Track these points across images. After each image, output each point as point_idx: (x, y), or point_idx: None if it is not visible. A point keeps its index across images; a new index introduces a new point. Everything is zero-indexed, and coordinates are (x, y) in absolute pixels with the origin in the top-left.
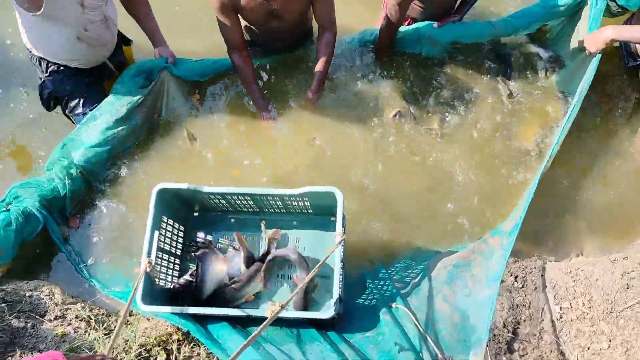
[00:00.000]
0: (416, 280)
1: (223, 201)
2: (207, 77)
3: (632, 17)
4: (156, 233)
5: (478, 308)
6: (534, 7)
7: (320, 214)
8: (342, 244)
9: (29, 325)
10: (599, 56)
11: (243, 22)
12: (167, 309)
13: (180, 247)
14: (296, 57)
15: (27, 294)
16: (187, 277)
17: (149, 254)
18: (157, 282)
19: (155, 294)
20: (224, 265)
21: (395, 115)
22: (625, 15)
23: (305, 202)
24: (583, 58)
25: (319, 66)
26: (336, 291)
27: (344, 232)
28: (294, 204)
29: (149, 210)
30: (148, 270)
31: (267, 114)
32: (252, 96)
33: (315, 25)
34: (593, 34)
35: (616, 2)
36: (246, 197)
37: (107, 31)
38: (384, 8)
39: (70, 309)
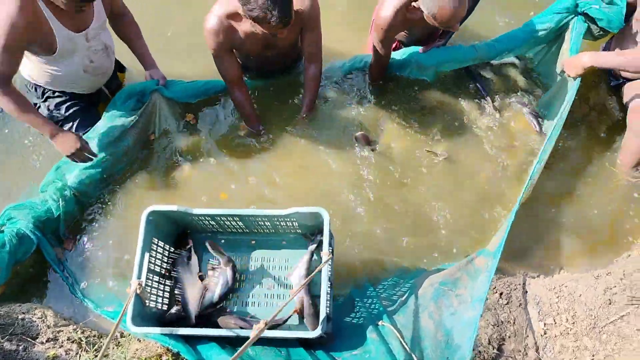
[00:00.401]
0: (403, 297)
1: (213, 222)
2: (198, 99)
3: (612, 39)
4: (147, 255)
5: (462, 328)
6: (516, 31)
7: (310, 233)
8: (330, 263)
9: (20, 348)
10: (578, 81)
11: (236, 53)
12: (157, 330)
13: (171, 269)
14: (286, 81)
15: (20, 317)
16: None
17: (139, 276)
18: (147, 304)
19: (146, 316)
20: (198, 280)
21: (369, 144)
22: (607, 37)
23: (294, 223)
24: (564, 81)
25: (304, 100)
26: (323, 310)
27: (332, 252)
28: (282, 224)
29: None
30: (138, 292)
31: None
32: (252, 128)
33: None
34: (572, 59)
35: (597, 25)
36: (236, 218)
37: (107, 59)
38: (372, 32)
39: (62, 331)
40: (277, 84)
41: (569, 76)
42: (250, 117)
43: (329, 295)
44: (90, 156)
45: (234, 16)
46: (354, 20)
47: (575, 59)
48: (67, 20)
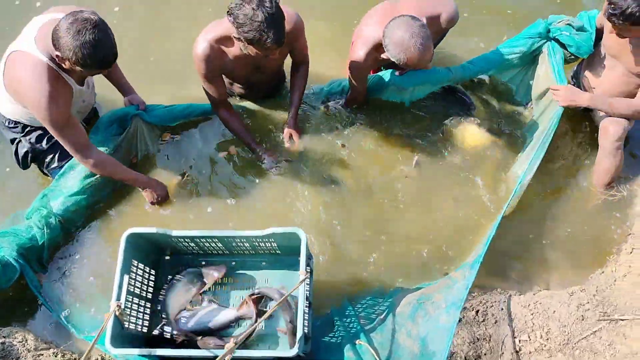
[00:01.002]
0: (381, 316)
1: (192, 244)
2: (177, 122)
3: (582, 63)
4: (126, 277)
5: (437, 333)
6: (490, 53)
7: (288, 254)
8: (308, 282)
9: None
10: (561, 110)
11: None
12: (135, 351)
13: (152, 291)
14: (272, 103)
15: (0, 341)
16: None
17: (118, 298)
18: (127, 326)
19: (125, 337)
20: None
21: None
22: (578, 60)
23: (272, 244)
24: (545, 106)
25: (294, 97)
26: (300, 329)
27: (310, 271)
28: (261, 245)
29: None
30: (117, 313)
31: (268, 154)
32: (246, 143)
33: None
34: (571, 92)
35: (568, 50)
36: (215, 240)
37: (93, 95)
38: (352, 49)
39: (43, 354)
40: (263, 106)
41: (558, 102)
42: (242, 133)
43: (306, 315)
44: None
45: (223, 40)
46: (336, 45)
47: (575, 95)
48: (76, 77)
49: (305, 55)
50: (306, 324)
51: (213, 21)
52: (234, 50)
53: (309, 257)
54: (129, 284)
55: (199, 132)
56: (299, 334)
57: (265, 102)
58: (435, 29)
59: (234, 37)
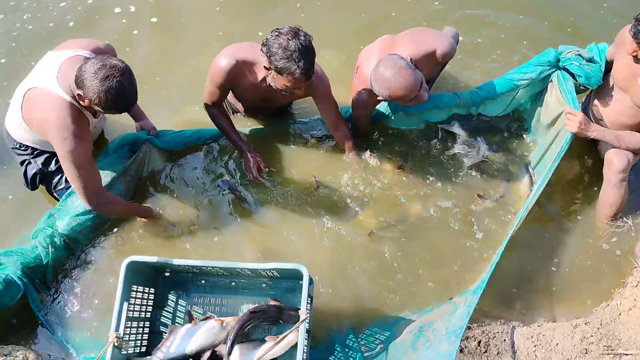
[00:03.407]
0: (382, 345)
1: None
2: (186, 147)
3: (590, 94)
4: (125, 305)
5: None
6: (499, 79)
7: (288, 277)
8: (307, 320)
9: None
10: (571, 137)
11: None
12: None
13: (151, 310)
14: (276, 128)
15: (1, 359)
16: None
17: (117, 328)
18: (126, 352)
19: None
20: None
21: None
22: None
23: (274, 272)
24: (554, 134)
25: (351, 153)
26: None
27: (310, 302)
28: (262, 272)
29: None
30: (116, 344)
31: (253, 154)
32: (232, 140)
33: None
34: (581, 118)
35: (577, 80)
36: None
37: (104, 122)
38: (355, 77)
39: None
40: (265, 130)
41: (568, 128)
42: (229, 130)
43: (305, 347)
44: None
45: (249, 65)
46: (341, 73)
47: (585, 124)
48: (92, 111)
49: (337, 116)
50: (304, 357)
51: (246, 42)
52: (253, 77)
53: (310, 282)
54: (128, 310)
55: (204, 157)
56: None
57: (269, 127)
58: (433, 64)
59: (265, 67)
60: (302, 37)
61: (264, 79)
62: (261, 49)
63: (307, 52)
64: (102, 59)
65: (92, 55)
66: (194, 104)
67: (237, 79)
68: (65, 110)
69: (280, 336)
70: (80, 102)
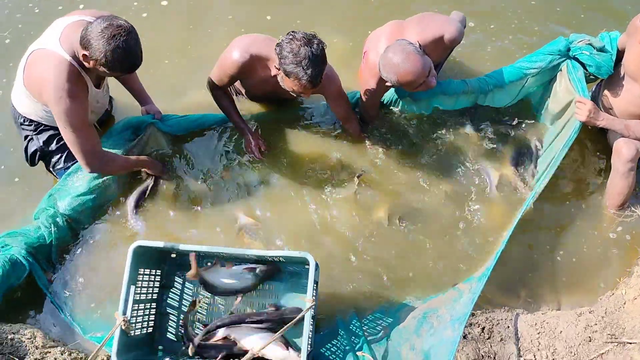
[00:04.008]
0: (386, 329)
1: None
2: (191, 130)
3: (600, 83)
4: (132, 288)
5: (441, 347)
6: (508, 67)
7: (294, 262)
8: (313, 307)
9: None
10: (579, 125)
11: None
12: None
13: (157, 291)
14: (280, 112)
15: (9, 337)
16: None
17: (124, 312)
18: (133, 334)
19: (132, 344)
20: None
21: (358, 175)
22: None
23: (280, 258)
24: (562, 122)
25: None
26: (305, 352)
27: (315, 287)
28: (267, 256)
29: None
30: (123, 327)
31: (254, 135)
32: (234, 121)
33: None
34: (590, 107)
35: (587, 70)
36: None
37: (107, 97)
38: (363, 61)
39: (50, 352)
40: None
41: (577, 116)
42: (231, 111)
43: (311, 332)
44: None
45: (262, 60)
46: (349, 58)
47: (595, 113)
48: (94, 78)
49: (347, 112)
50: (310, 342)
51: (262, 35)
52: (264, 73)
53: (315, 268)
54: (135, 292)
55: (210, 142)
56: (304, 356)
57: (272, 111)
58: (441, 49)
59: (275, 67)
60: (314, 46)
61: (275, 75)
62: (275, 48)
63: (316, 61)
64: (108, 18)
65: None
66: (201, 88)
67: (248, 72)
68: (63, 69)
69: (287, 325)
70: (85, 63)
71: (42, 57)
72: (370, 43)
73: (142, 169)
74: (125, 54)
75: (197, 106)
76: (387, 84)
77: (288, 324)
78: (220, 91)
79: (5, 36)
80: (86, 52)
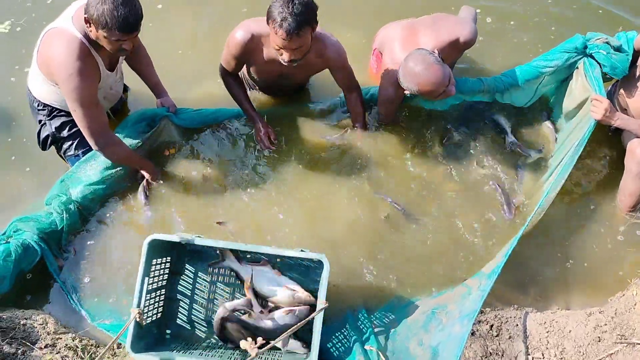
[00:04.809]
0: (394, 323)
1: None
2: (204, 125)
3: (616, 84)
4: (146, 280)
5: (449, 344)
6: (524, 66)
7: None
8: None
9: (19, 351)
10: (594, 124)
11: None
12: (156, 358)
13: (166, 278)
14: (292, 105)
15: (22, 322)
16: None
17: (138, 304)
18: (145, 323)
19: (141, 333)
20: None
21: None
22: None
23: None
24: (577, 121)
25: (358, 124)
26: (315, 350)
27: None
28: (282, 255)
29: (141, 250)
30: (138, 319)
31: (264, 124)
32: (244, 109)
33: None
34: (607, 105)
35: (602, 69)
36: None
37: (121, 85)
38: (372, 58)
39: (61, 338)
40: (283, 112)
41: (593, 114)
42: (242, 98)
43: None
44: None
45: (265, 38)
46: (361, 54)
47: (610, 112)
48: (107, 60)
49: (351, 81)
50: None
51: (261, 17)
52: (268, 52)
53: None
54: (148, 284)
55: (225, 136)
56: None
57: (288, 106)
58: (456, 52)
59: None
60: (296, 3)
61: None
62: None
63: (294, 12)
64: None
65: None
66: (215, 79)
67: (252, 52)
68: (74, 46)
69: (300, 323)
70: (91, 34)
71: (54, 35)
72: (385, 46)
73: (140, 170)
74: (115, 5)
75: (211, 96)
76: (406, 92)
77: (301, 322)
78: (231, 77)
79: (21, 24)
80: (86, 16)
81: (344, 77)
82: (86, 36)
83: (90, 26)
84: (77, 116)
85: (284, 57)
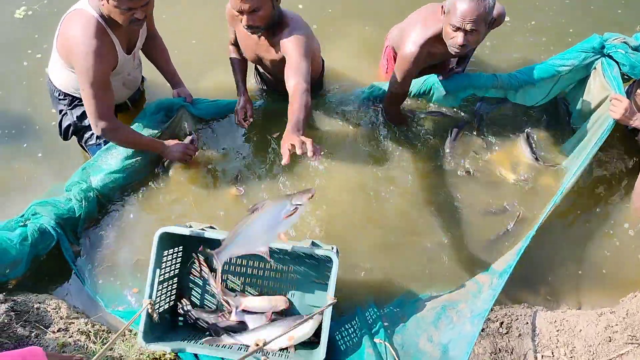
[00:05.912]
0: (404, 318)
1: None
2: (220, 115)
3: (633, 83)
4: (157, 271)
5: (459, 340)
6: (540, 64)
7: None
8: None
9: (32, 334)
10: (612, 123)
11: None
12: (167, 348)
13: (179, 266)
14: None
15: (35, 306)
16: None
17: (150, 295)
18: (157, 313)
19: (155, 323)
20: None
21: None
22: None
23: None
24: (594, 119)
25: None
26: (324, 345)
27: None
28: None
29: (153, 239)
30: (149, 311)
31: (245, 101)
32: (235, 80)
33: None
34: (627, 105)
35: (620, 69)
36: None
37: (140, 73)
38: (383, 57)
39: (74, 322)
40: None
41: (611, 114)
42: (237, 72)
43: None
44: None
45: None
46: (373, 50)
47: (630, 112)
48: (124, 42)
49: (295, 68)
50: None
51: None
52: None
53: (337, 251)
54: (160, 275)
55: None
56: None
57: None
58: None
59: None
60: None
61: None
62: None
63: None
64: None
65: None
66: (228, 68)
67: (236, 23)
68: (91, 26)
69: (308, 317)
70: (103, 12)
71: (71, 17)
72: (404, 32)
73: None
74: None
75: (225, 86)
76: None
77: (309, 315)
78: (234, 54)
79: (35, 9)
80: None
81: (289, 60)
82: (102, 16)
83: (103, 3)
84: (86, 96)
85: (243, 22)
